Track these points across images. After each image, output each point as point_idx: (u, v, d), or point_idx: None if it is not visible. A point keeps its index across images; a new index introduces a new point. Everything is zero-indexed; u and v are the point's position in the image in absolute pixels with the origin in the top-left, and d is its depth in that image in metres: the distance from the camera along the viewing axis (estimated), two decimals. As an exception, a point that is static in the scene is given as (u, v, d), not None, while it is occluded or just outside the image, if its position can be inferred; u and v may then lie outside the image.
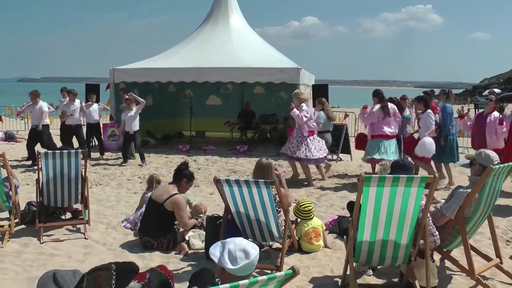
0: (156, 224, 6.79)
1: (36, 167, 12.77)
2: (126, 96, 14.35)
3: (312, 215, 6.98)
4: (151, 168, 13.25)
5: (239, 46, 18.28)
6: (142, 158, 13.96)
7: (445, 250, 5.91)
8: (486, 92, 69.35)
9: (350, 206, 6.79)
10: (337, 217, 7.95)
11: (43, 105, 13.45)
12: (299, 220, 7.03)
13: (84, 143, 14.53)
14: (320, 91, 16.50)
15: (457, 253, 6.24)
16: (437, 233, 5.44)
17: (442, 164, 11.18)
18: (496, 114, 10.11)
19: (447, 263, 6.18)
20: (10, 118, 25.23)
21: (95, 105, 15.12)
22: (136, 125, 14.02)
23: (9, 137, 19.83)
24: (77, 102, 14.41)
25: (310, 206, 7.01)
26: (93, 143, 16.08)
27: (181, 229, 7.11)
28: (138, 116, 14.07)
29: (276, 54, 19.61)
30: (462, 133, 19.13)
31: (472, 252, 5.64)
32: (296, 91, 11.90)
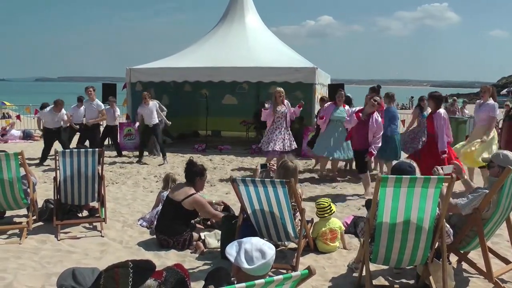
0: (173, 222, 6.83)
1: (41, 165, 12.91)
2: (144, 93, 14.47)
3: (328, 214, 6.94)
4: (167, 167, 13.30)
5: (255, 46, 18.27)
6: (164, 155, 14.17)
7: (462, 252, 5.87)
8: (504, 91, 68.90)
9: (368, 204, 6.77)
10: (353, 217, 7.94)
11: (64, 113, 13.51)
12: (316, 219, 7.02)
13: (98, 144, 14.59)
14: (336, 91, 16.42)
15: (475, 255, 6.18)
16: (451, 231, 5.41)
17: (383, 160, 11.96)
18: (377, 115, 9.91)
19: (464, 265, 6.13)
20: (28, 117, 25.40)
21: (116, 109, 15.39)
22: (155, 119, 14.12)
23: (27, 136, 20.02)
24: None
25: (325, 204, 6.97)
26: (108, 143, 16.16)
27: (197, 228, 7.13)
28: (155, 111, 14.17)
29: (292, 53, 19.58)
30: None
31: (490, 255, 5.60)
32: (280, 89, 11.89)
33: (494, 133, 10.23)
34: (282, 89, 11.69)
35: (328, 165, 12.39)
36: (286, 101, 11.57)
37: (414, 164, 5.79)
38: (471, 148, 10.00)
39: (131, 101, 17.02)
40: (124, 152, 15.58)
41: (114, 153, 15.31)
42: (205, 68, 16.62)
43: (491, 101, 10.24)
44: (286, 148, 11.31)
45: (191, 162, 7.29)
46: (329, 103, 12.33)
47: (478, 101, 10.83)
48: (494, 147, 9.95)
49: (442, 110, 9.66)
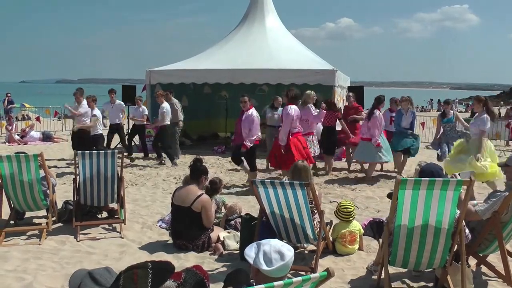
0: (189, 227, 6.81)
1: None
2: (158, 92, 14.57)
3: (352, 218, 6.92)
4: (186, 168, 13.29)
5: (275, 48, 18.25)
6: (160, 157, 14.36)
7: (481, 255, 5.84)
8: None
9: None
10: (371, 219, 7.90)
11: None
12: (337, 221, 7.00)
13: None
14: (355, 93, 16.38)
15: (494, 258, 6.14)
16: (470, 236, 5.37)
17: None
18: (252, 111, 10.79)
19: (483, 269, 6.09)
20: (48, 118, 25.60)
21: (143, 107, 15.44)
22: (163, 120, 14.15)
23: (47, 137, 20.14)
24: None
25: (351, 208, 6.95)
26: (134, 143, 16.21)
27: (215, 230, 7.12)
28: (165, 113, 14.16)
29: (312, 55, 19.53)
30: (499, 136, 18.93)
31: (509, 258, 5.57)
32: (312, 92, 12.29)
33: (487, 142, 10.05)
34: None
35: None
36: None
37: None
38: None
39: (150, 103, 17.05)
40: (143, 154, 15.62)
41: (133, 155, 15.34)
42: (224, 70, 16.64)
43: (483, 114, 9.99)
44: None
45: (198, 159, 7.23)
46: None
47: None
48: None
49: (291, 107, 10.33)
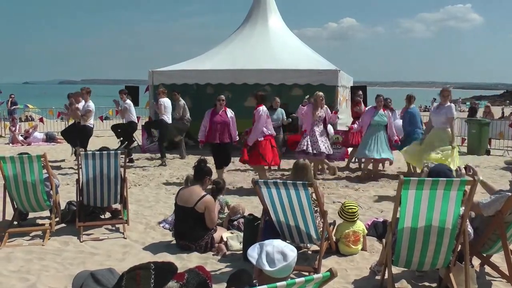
0: (192, 228, 6.81)
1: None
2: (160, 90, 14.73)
3: (356, 218, 6.91)
4: (189, 169, 13.31)
5: (278, 48, 18.23)
6: (162, 157, 14.43)
7: (485, 255, 5.82)
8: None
9: None
10: (374, 219, 7.90)
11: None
12: (341, 221, 6.99)
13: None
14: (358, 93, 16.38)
15: (498, 258, 6.13)
16: (472, 235, 5.37)
17: None
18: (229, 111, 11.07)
19: (487, 269, 6.08)
20: (51, 119, 25.61)
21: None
22: (159, 115, 14.40)
23: (50, 138, 20.16)
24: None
25: (355, 208, 6.94)
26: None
27: (218, 231, 7.11)
28: (162, 109, 14.37)
29: (314, 55, 19.49)
30: (503, 135, 18.88)
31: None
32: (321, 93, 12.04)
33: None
34: (322, 94, 11.88)
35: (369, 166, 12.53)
36: (325, 106, 11.80)
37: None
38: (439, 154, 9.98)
39: (153, 103, 17.07)
40: (146, 154, 15.68)
41: (137, 155, 15.35)
42: (227, 71, 16.65)
43: (449, 103, 10.42)
44: (318, 150, 11.61)
45: (203, 160, 7.26)
46: (369, 107, 12.68)
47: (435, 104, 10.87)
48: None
49: (261, 108, 10.41)
